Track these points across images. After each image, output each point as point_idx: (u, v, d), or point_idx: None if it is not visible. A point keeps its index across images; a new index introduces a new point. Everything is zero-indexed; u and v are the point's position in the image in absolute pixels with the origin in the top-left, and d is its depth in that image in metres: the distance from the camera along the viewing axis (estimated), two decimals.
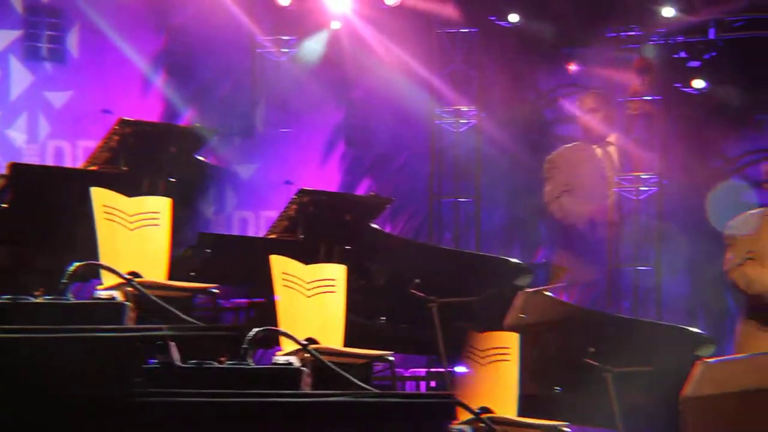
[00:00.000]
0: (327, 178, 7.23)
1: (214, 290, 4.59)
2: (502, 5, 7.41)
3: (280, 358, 3.94)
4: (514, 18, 7.42)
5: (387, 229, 6.84)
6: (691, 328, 5.07)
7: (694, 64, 7.30)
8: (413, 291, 4.96)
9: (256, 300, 6.06)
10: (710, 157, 7.28)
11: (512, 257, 5.64)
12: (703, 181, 6.85)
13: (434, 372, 6.05)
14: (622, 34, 6.73)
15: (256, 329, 3.39)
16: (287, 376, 3.28)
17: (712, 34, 7.30)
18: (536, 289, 4.88)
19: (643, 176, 6.11)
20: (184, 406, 2.95)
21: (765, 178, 5.41)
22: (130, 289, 3.98)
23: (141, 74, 7.02)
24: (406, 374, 6.56)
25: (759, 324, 5.15)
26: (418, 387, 6.48)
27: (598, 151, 5.97)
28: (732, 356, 4.28)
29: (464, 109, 6.79)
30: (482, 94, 6.96)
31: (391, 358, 5.00)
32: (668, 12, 6.82)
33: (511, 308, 4.77)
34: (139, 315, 3.61)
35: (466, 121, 6.79)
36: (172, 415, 2.94)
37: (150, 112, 6.98)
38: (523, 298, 4.78)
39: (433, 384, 6.16)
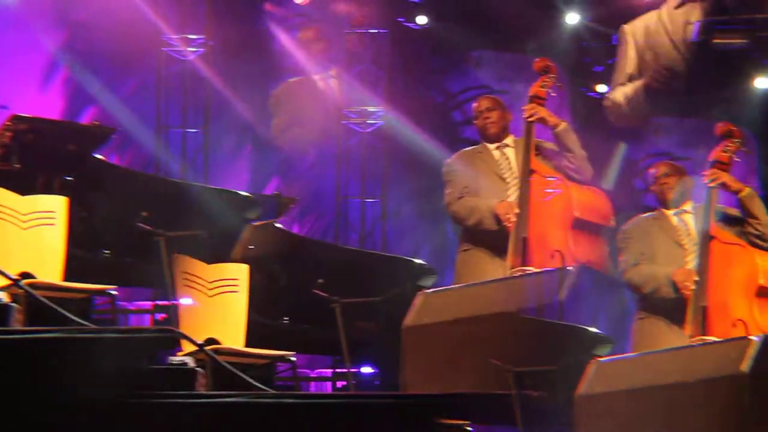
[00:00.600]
0: (48, 105, 6.96)
1: (113, 292, 4.51)
2: (411, 7, 7.46)
3: (176, 359, 3.91)
4: (422, 20, 7.48)
5: (294, 229, 6.83)
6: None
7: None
8: (316, 291, 4.94)
9: (160, 302, 5.97)
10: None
11: (418, 258, 5.65)
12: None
13: (340, 372, 6.04)
14: None
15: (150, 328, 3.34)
16: (180, 376, 3.26)
17: None
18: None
19: (369, 109, 6.13)
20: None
21: (652, 182, 5.54)
22: (19, 290, 3.89)
23: (41, 70, 6.88)
24: (312, 374, 6.54)
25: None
26: (322, 387, 6.47)
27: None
28: (624, 355, 4.38)
29: (371, 109, 6.80)
30: (390, 95, 6.98)
31: (293, 359, 4.98)
32: None
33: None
34: (30, 317, 3.53)
35: (373, 122, 6.80)
36: None
37: (50, 109, 6.84)
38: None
39: (339, 384, 6.15)
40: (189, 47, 6.61)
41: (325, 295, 4.88)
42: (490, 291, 4.21)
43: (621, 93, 4.68)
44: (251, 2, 7.51)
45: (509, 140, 5.80)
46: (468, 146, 6.02)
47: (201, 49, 6.69)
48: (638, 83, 6.01)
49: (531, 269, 5.03)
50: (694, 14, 4.81)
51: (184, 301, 4.75)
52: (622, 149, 5.66)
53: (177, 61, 6.70)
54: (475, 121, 5.82)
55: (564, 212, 5.24)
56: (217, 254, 4.88)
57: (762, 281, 4.82)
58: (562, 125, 5.58)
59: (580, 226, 5.22)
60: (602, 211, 5.30)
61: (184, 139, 6.73)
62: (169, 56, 6.72)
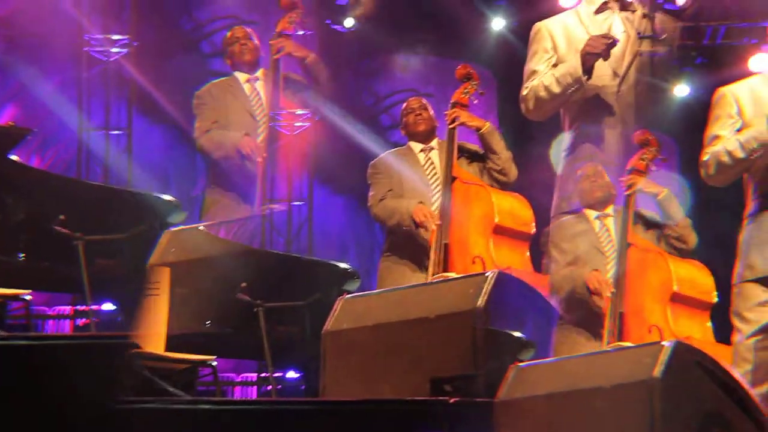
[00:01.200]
0: None
1: (27, 297, 4.45)
2: (338, 9, 7.47)
3: None
4: (349, 23, 7.49)
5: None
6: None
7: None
8: (240, 295, 4.92)
9: (80, 307, 5.90)
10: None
11: (343, 262, 5.66)
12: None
13: (265, 377, 6.03)
14: None
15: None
16: None
17: None
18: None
19: (298, 112, 6.20)
20: None
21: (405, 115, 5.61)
22: None
23: None
24: (238, 379, 6.52)
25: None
26: (247, 392, 6.45)
27: (247, 86, 6.02)
28: (542, 360, 4.43)
29: (299, 112, 6.80)
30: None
31: (214, 363, 4.96)
32: None
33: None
34: None
35: (300, 124, 6.80)
36: None
37: None
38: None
39: (265, 389, 6.14)
40: (112, 48, 6.55)
41: (248, 299, 4.85)
42: (410, 296, 4.22)
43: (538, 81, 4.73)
44: (179, 3, 7.47)
45: (434, 143, 5.84)
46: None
47: (125, 50, 6.63)
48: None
49: (452, 275, 5.07)
50: (615, 21, 4.89)
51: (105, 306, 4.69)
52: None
53: (99, 62, 6.64)
54: (404, 119, 5.85)
55: (485, 218, 5.29)
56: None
57: (676, 288, 4.92)
58: (486, 126, 5.63)
59: (501, 232, 5.27)
60: (523, 218, 5.35)
61: (107, 140, 6.67)
62: (91, 56, 6.65)
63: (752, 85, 4.61)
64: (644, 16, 4.65)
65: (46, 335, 5.42)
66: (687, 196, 5.34)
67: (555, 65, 4.81)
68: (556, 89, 4.74)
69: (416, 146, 5.80)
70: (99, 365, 3.33)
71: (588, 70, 4.71)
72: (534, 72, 4.82)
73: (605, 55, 4.68)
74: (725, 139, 4.52)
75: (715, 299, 5.05)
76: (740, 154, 4.48)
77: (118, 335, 3.75)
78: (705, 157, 4.57)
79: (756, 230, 4.57)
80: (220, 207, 5.73)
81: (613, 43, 4.68)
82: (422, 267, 5.42)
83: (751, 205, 4.65)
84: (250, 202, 5.54)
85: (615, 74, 4.81)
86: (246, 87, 5.86)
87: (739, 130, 4.51)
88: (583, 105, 4.82)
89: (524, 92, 4.85)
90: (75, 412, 3.24)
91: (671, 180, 5.04)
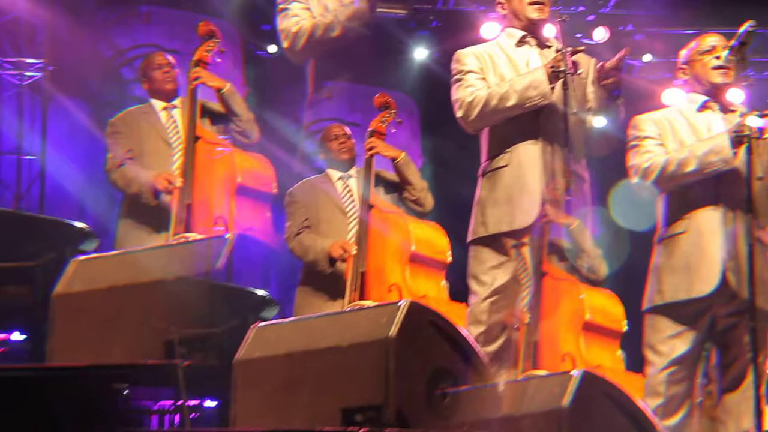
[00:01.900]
0: None
1: None
2: None
3: None
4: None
5: None
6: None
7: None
8: None
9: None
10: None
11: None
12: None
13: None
14: None
15: None
16: None
17: None
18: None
19: (28, 61, 6.00)
20: None
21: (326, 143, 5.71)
22: None
23: None
24: None
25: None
26: None
27: (163, 114, 5.83)
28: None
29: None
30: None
31: None
32: None
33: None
34: None
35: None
36: None
37: None
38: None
39: None
40: (26, 71, 6.43)
41: None
42: (323, 325, 4.20)
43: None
44: (98, 27, 7.35)
45: (353, 170, 5.87)
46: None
47: (39, 74, 6.52)
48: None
49: (369, 303, 5.07)
50: (533, 56, 4.99)
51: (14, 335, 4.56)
52: None
53: (12, 85, 6.52)
54: (327, 144, 5.87)
55: (402, 247, 5.30)
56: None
57: (588, 317, 4.98)
58: (401, 157, 5.67)
59: (418, 260, 5.28)
60: (439, 246, 5.38)
61: (19, 165, 6.53)
62: (4, 79, 6.52)
63: (668, 116, 4.76)
64: (557, 51, 4.72)
65: None
66: (598, 223, 5.41)
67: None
68: (511, 101, 4.77)
69: (334, 173, 5.80)
70: None
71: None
72: (470, 85, 4.86)
73: (565, 76, 4.68)
74: (673, 150, 4.66)
75: (625, 328, 5.12)
76: (692, 166, 4.60)
77: None
78: (645, 164, 4.68)
79: (666, 256, 4.68)
80: (133, 237, 5.65)
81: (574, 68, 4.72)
82: (339, 295, 5.41)
83: (662, 229, 4.78)
84: (165, 231, 5.47)
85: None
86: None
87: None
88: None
89: (468, 99, 4.83)
90: None
91: (586, 213, 5.11)
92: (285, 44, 6.39)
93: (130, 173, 5.55)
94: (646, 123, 4.79)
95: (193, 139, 5.31)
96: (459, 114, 4.88)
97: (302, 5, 6.36)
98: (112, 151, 5.70)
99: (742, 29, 4.56)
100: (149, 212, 5.52)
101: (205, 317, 4.04)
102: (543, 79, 4.72)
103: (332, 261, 5.52)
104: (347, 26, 6.31)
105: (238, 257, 5.48)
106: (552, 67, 4.70)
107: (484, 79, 4.86)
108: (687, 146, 4.68)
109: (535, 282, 5.11)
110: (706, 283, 4.53)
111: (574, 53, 4.70)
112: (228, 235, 4.15)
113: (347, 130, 5.92)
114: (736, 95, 4.73)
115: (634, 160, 4.75)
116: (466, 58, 4.93)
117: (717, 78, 4.73)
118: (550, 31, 4.82)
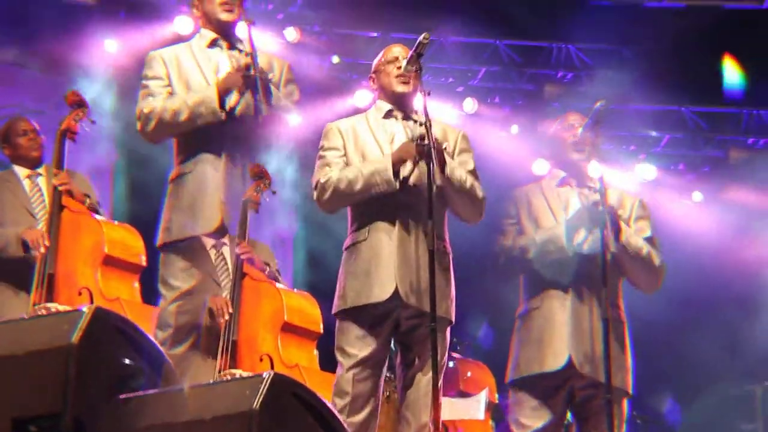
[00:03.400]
0: None
1: None
2: None
3: None
4: None
5: None
6: None
7: None
8: None
9: None
10: None
11: None
12: None
13: None
14: None
15: None
16: None
17: None
18: None
19: None
20: None
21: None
22: None
23: None
24: None
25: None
26: None
27: (27, 182, 5.67)
28: None
29: None
30: None
31: None
32: None
33: None
34: None
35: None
36: None
37: None
38: None
39: None
40: None
41: None
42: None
43: None
44: None
45: (41, 169, 5.60)
46: None
47: None
48: None
49: (56, 306, 4.84)
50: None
51: None
52: None
53: None
54: (15, 140, 5.56)
55: (94, 249, 5.11)
56: None
57: (287, 317, 4.99)
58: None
59: (111, 263, 5.11)
60: (133, 249, 5.22)
61: None
62: None
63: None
64: (422, 124, 4.53)
65: None
66: None
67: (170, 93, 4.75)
68: (182, 117, 4.69)
69: (22, 171, 5.53)
70: None
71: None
72: (150, 94, 4.73)
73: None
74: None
75: (321, 330, 5.17)
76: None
77: None
78: (323, 179, 4.64)
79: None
80: None
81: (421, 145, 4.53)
82: (25, 289, 5.12)
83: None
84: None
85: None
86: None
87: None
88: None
89: (146, 110, 4.72)
90: None
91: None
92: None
93: None
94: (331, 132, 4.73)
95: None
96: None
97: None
98: None
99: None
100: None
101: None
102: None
103: (26, 245, 5.24)
104: None
105: None
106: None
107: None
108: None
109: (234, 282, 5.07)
110: (382, 290, 4.53)
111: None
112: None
113: (36, 125, 5.64)
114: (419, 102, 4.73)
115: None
116: (152, 60, 4.82)
117: (399, 87, 4.73)
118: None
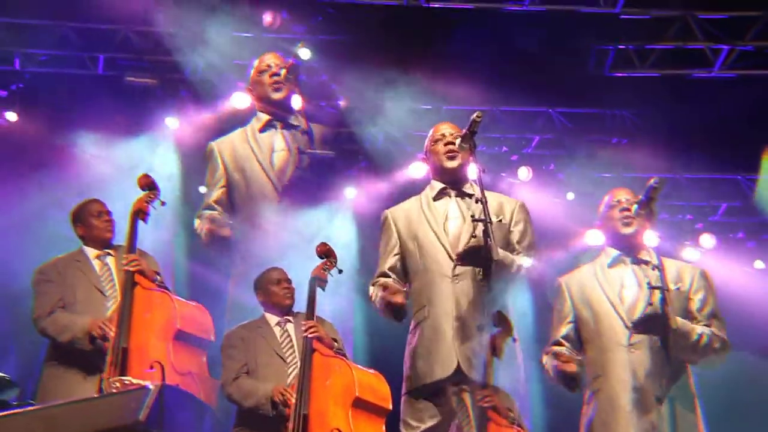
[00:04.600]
0: None
1: None
2: None
3: None
4: None
5: None
6: None
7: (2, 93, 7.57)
8: None
9: None
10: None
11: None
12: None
13: None
14: None
15: None
16: None
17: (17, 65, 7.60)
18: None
19: None
20: None
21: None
22: None
23: None
24: None
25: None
26: None
27: (96, 262, 5.64)
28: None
29: None
30: None
31: None
32: None
33: None
34: None
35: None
36: None
37: None
38: None
39: None
40: None
41: None
42: (60, 414, 4.00)
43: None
44: None
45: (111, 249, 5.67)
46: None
47: None
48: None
49: (129, 379, 4.85)
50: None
51: None
52: None
53: None
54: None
55: (167, 324, 5.15)
56: None
57: (359, 393, 5.00)
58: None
59: (182, 338, 5.14)
60: (203, 325, 5.26)
61: None
62: None
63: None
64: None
65: None
66: None
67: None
68: None
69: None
70: None
71: None
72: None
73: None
74: None
75: (390, 407, 5.17)
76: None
77: None
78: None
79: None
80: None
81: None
82: (93, 374, 5.15)
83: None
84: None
85: None
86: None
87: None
88: None
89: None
90: None
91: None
92: None
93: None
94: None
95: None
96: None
97: None
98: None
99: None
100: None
101: None
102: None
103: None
104: None
105: None
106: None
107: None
108: None
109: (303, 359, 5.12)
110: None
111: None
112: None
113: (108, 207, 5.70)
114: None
115: None
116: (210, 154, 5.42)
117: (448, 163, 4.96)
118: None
